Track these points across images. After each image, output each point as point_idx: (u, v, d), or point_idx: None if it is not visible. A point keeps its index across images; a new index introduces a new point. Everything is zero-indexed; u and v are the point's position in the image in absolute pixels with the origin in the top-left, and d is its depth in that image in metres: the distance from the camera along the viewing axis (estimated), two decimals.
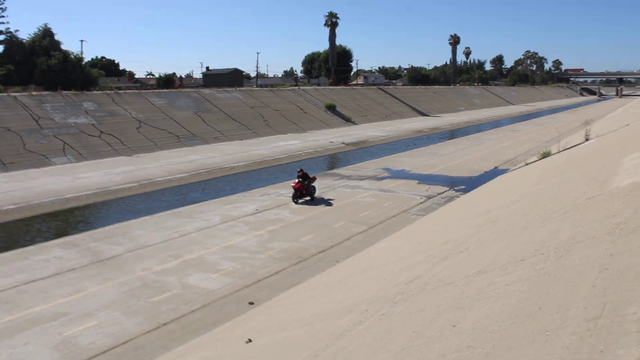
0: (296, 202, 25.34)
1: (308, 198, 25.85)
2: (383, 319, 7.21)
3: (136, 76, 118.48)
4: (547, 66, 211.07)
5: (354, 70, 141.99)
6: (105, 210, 25.90)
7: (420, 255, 11.37)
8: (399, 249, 14.60)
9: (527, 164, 28.60)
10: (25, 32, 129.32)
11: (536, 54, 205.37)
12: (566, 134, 49.06)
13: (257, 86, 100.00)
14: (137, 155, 39.76)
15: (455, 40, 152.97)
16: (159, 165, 35.79)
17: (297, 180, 25.52)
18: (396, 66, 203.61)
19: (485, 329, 5.26)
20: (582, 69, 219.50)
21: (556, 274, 6.23)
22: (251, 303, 13.86)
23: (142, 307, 13.64)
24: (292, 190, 25.68)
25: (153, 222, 22.13)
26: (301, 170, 26.06)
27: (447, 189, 29.01)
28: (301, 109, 66.19)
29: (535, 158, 29.52)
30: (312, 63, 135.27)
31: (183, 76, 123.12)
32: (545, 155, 27.59)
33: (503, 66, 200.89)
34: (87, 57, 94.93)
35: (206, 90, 63.05)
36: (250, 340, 8.91)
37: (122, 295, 14.37)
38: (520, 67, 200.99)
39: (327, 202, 25.66)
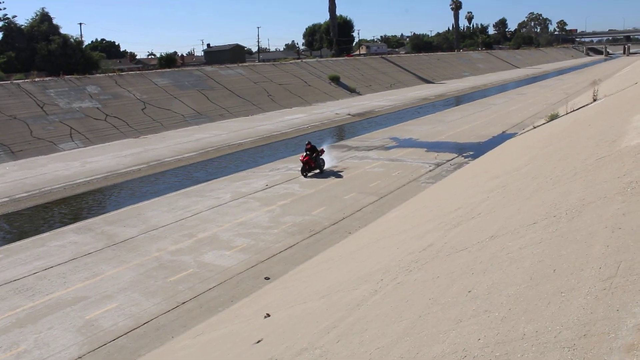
0: (305, 176, 25.40)
1: (317, 171, 25.89)
2: (398, 287, 7.30)
3: (137, 57, 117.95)
4: (551, 27, 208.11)
5: (356, 40, 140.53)
6: (116, 193, 26.10)
7: (432, 223, 11.43)
8: (410, 218, 14.66)
9: (535, 127, 28.42)
10: (23, 18, 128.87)
11: (540, 15, 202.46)
12: (573, 95, 48.63)
13: (259, 61, 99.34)
14: (143, 136, 39.85)
15: (456, 5, 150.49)
16: (167, 146, 35.87)
17: (305, 154, 25.53)
18: (398, 34, 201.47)
19: (500, 293, 5.31)
20: (576, 29, 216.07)
21: (569, 236, 6.24)
22: (267, 278, 14.03)
23: (160, 288, 13.86)
24: (301, 164, 25.73)
25: (165, 203, 22.30)
26: (309, 143, 26.04)
27: (456, 155, 28.95)
28: (305, 82, 65.80)
29: (543, 121, 29.29)
30: (313, 35, 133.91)
31: (184, 55, 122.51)
32: (553, 117, 27.38)
33: (507, 29, 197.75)
34: (87, 40, 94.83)
35: (209, 68, 62.73)
36: (268, 315, 9.06)
37: (139, 277, 14.58)
38: (524, 29, 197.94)
39: (337, 174, 25.71)
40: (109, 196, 25.74)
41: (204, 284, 14.03)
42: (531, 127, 30.04)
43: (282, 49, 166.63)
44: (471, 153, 29.06)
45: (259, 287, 13.21)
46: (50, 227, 20.31)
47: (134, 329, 11.80)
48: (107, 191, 26.45)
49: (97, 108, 42.94)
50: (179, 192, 24.22)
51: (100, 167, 29.85)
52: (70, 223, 20.55)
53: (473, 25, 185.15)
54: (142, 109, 45.37)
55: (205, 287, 13.81)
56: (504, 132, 35.39)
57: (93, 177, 27.90)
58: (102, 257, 16.29)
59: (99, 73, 56.85)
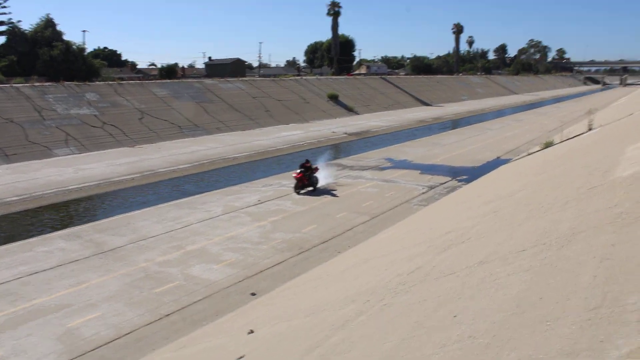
0: (298, 193, 25.33)
1: (310, 188, 25.84)
2: (385, 309, 7.22)
3: (138, 67, 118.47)
4: (550, 55, 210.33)
5: (357, 59, 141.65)
6: (108, 201, 26.00)
7: (422, 245, 11.37)
8: (400, 239, 14.60)
9: (529, 154, 28.54)
10: (27, 23, 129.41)
11: (539, 42, 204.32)
12: (569, 123, 48.98)
13: (259, 76, 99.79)
14: (139, 146, 39.83)
15: (458, 29, 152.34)
16: (162, 156, 35.86)
17: (298, 171, 25.46)
18: (399, 56, 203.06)
19: (486, 319, 5.26)
20: (570, 58, 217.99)
21: (557, 264, 6.22)
22: (253, 294, 13.91)
23: (145, 299, 13.70)
24: (295, 181, 25.64)
25: (155, 213, 22.19)
26: (308, 161, 25.99)
27: (450, 179, 29.01)
28: (303, 99, 66.06)
29: (537, 148, 29.43)
30: (314, 53, 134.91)
31: (185, 66, 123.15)
32: (548, 145, 27.50)
33: (506, 55, 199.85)
34: (89, 48, 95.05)
35: (208, 81, 62.93)
36: (252, 331, 8.94)
37: (124, 287, 14.43)
38: (523, 56, 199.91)
39: (330, 193, 25.66)
40: (100, 204, 25.63)
41: (190, 296, 13.89)
42: (526, 153, 30.17)
43: (282, 65, 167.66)
44: (465, 177, 29.12)
45: (245, 303, 13.07)
46: (39, 232, 20.14)
47: (115, 340, 11.64)
48: (98, 199, 26.34)
49: (95, 115, 42.94)
50: (170, 203, 24.12)
51: (94, 175, 29.75)
52: (59, 229, 20.40)
53: (473, 50, 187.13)
54: (139, 119, 45.39)
55: (191, 300, 13.68)
56: (498, 157, 35.53)
57: (86, 184, 27.79)
58: (88, 265, 16.12)
59: (100, 81, 56.96)
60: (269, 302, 11.91)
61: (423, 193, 25.58)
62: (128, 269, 15.72)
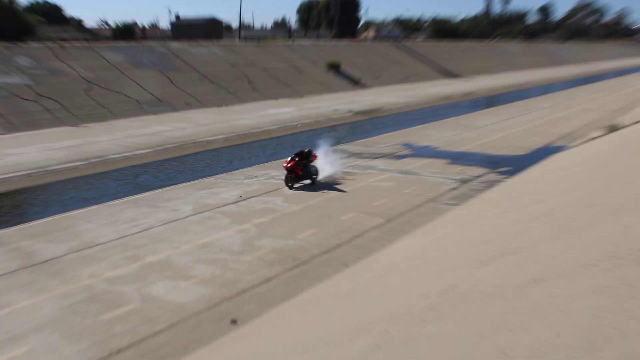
0: (291, 187, 25.18)
1: (307, 182, 25.72)
2: (409, 343, 7.05)
3: (86, 25, 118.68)
4: (608, 18, 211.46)
5: (363, 21, 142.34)
6: (42, 196, 25.97)
7: (455, 257, 11.27)
8: (426, 250, 14.54)
9: (589, 140, 28.59)
10: None
11: (593, 2, 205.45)
12: (637, 102, 49.13)
13: (240, 39, 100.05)
14: (85, 125, 40.03)
15: None
16: (114, 139, 36.03)
17: (289, 159, 25.15)
18: (416, 17, 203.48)
19: (545, 357, 5.09)
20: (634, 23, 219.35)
21: (638, 285, 6.08)
22: (234, 321, 13.72)
23: (89, 328, 13.40)
24: (285, 172, 25.41)
25: (105, 213, 22.06)
26: (310, 150, 25.77)
27: (487, 170, 29.04)
28: (297, 68, 66.41)
29: (599, 132, 29.49)
30: (309, 12, 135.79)
31: (146, 26, 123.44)
32: (613, 128, 27.54)
33: (551, 18, 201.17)
34: (23, 0, 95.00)
35: (176, 44, 63.70)
36: None
37: (62, 312, 14.13)
38: (573, 19, 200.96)
39: (332, 187, 25.62)
40: (32, 200, 25.63)
41: (149, 325, 13.61)
42: (584, 139, 30.24)
43: (269, 27, 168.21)
44: (507, 169, 29.18)
45: (223, 334, 12.85)
46: None
47: None
48: (30, 193, 26.33)
49: (28, 85, 43.04)
50: (125, 199, 24.06)
51: (24, 162, 29.75)
52: None
53: (510, 11, 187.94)
54: (85, 90, 45.54)
55: (151, 330, 13.38)
56: (549, 143, 35.69)
57: (13, 174, 27.74)
58: (13, 282, 15.84)
59: (35, 42, 56.93)
60: (255, 334, 11.80)
61: (453, 189, 25.56)
62: (67, 288, 15.46)
